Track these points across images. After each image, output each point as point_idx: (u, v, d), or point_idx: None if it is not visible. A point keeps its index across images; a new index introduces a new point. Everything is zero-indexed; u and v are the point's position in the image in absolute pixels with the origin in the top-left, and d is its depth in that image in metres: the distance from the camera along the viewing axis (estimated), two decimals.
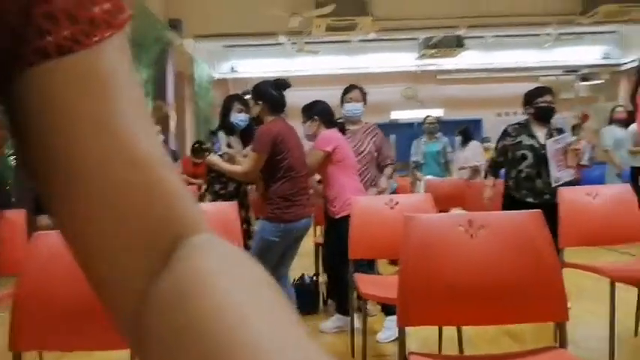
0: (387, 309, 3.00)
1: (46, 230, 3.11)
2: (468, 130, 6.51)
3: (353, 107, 3.51)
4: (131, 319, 0.32)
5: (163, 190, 0.33)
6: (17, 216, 2.52)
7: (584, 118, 3.49)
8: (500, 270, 1.50)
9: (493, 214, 1.63)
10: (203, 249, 0.32)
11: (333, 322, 3.17)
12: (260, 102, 2.85)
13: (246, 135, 3.41)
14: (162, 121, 6.75)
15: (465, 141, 6.29)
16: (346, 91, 3.58)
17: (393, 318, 2.93)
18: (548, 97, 3.36)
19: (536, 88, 3.48)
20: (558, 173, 3.20)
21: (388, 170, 3.66)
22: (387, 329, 2.96)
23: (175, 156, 5.49)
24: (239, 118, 3.41)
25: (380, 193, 3.39)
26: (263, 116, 2.85)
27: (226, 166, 2.98)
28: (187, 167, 6.00)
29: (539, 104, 3.35)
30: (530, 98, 3.41)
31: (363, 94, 3.57)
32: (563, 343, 1.45)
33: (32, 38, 0.30)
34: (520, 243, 1.51)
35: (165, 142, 5.50)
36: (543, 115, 3.36)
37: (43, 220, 3.25)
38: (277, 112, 2.86)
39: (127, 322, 0.33)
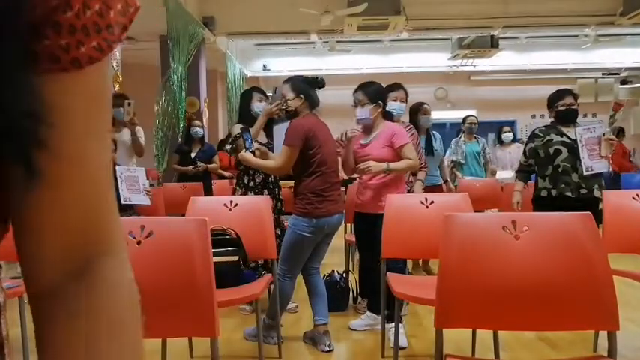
0: (371, 305, 3.08)
1: None
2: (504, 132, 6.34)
3: (398, 107, 3.47)
4: (40, 302, 0.39)
5: (96, 208, 0.39)
6: None
7: (617, 106, 3.33)
8: (545, 274, 1.44)
9: (538, 214, 1.56)
10: (98, 297, 0.40)
11: (363, 320, 3.13)
12: (302, 96, 2.82)
13: (266, 126, 3.44)
14: (195, 117, 6.83)
15: (500, 142, 6.12)
16: (391, 89, 3.50)
17: (376, 316, 2.96)
18: (568, 100, 3.31)
19: (557, 91, 3.43)
20: (590, 162, 3.13)
21: (422, 174, 3.61)
22: (361, 319, 3.11)
23: (212, 152, 5.55)
24: (260, 107, 3.43)
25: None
26: (301, 110, 2.83)
27: (258, 162, 2.96)
28: (224, 161, 6.17)
29: (559, 108, 3.32)
30: (551, 102, 3.39)
31: (407, 95, 3.54)
32: (612, 353, 1.38)
33: (70, 48, 0.34)
34: (568, 246, 1.44)
35: (202, 138, 5.53)
36: (565, 118, 3.32)
37: None
38: (313, 109, 2.84)
39: (35, 302, 0.39)
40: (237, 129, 3.46)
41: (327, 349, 2.75)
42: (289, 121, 2.85)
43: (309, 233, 2.71)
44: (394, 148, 2.92)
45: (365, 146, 3.01)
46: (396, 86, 3.52)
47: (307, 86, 2.84)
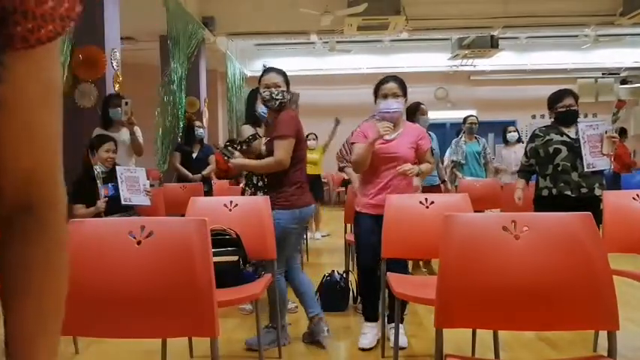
0: (367, 314, 2.88)
1: (81, 218, 3.22)
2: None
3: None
4: (1, 228, 0.56)
5: (46, 156, 0.55)
6: None
7: (620, 103, 3.29)
8: (545, 274, 1.44)
9: (538, 215, 1.56)
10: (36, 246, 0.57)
11: (368, 333, 2.86)
12: (290, 91, 2.84)
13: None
14: (195, 117, 6.82)
15: (506, 141, 6.09)
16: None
17: (373, 325, 2.80)
18: (568, 101, 3.29)
19: (557, 92, 3.41)
20: (592, 159, 3.13)
21: None
22: (364, 335, 2.83)
23: (210, 152, 5.54)
24: (265, 108, 3.43)
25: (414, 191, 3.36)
26: (287, 105, 2.83)
27: (255, 163, 2.89)
28: (221, 162, 6.16)
29: (559, 109, 3.31)
30: (551, 103, 3.38)
31: None
32: (612, 353, 1.38)
33: (34, 30, 0.49)
34: (568, 246, 1.44)
35: (202, 139, 5.51)
36: (565, 120, 3.31)
37: (79, 209, 3.35)
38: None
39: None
40: (246, 130, 3.46)
41: (326, 334, 2.75)
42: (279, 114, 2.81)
43: (296, 224, 2.73)
44: (419, 150, 2.85)
45: (389, 142, 2.82)
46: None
47: None
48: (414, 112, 4.21)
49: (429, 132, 4.35)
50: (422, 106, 4.25)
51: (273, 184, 2.80)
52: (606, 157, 3.15)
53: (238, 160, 2.93)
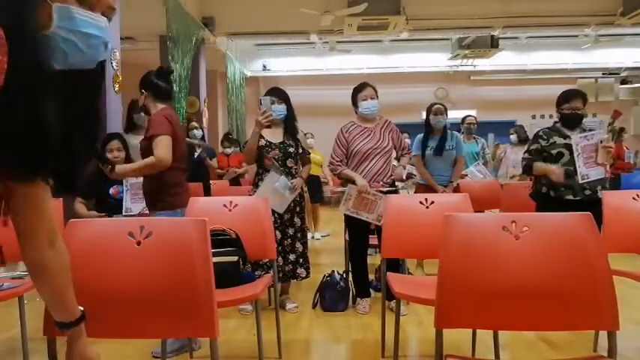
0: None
1: (79, 214, 3.17)
2: (523, 130, 6.23)
3: (371, 105, 3.54)
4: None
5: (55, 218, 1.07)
6: (54, 204, 2.58)
7: (616, 114, 3.30)
8: (545, 274, 1.43)
9: (538, 215, 1.56)
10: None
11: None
12: (143, 91, 2.78)
13: (287, 126, 3.55)
14: (194, 117, 6.83)
15: (520, 141, 6.01)
16: (360, 89, 3.59)
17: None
18: (575, 103, 3.25)
19: (566, 92, 3.36)
20: (586, 170, 3.11)
21: (405, 160, 3.72)
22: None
23: (212, 154, 5.57)
24: (272, 109, 3.46)
25: (396, 179, 3.55)
26: (148, 104, 2.79)
27: (137, 165, 2.74)
28: (223, 161, 6.42)
29: (565, 111, 3.27)
30: (558, 102, 3.34)
31: (376, 92, 3.59)
32: (612, 353, 1.38)
33: None
34: (568, 246, 1.44)
35: (203, 138, 5.52)
36: (569, 122, 3.28)
37: (79, 203, 3.39)
38: (162, 100, 2.81)
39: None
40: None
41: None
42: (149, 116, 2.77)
43: None
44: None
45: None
46: (363, 86, 3.60)
47: (152, 79, 2.79)
48: (428, 113, 4.23)
49: (454, 132, 4.36)
50: (435, 106, 4.24)
51: (153, 186, 2.72)
52: (601, 167, 3.13)
53: (119, 167, 2.78)
